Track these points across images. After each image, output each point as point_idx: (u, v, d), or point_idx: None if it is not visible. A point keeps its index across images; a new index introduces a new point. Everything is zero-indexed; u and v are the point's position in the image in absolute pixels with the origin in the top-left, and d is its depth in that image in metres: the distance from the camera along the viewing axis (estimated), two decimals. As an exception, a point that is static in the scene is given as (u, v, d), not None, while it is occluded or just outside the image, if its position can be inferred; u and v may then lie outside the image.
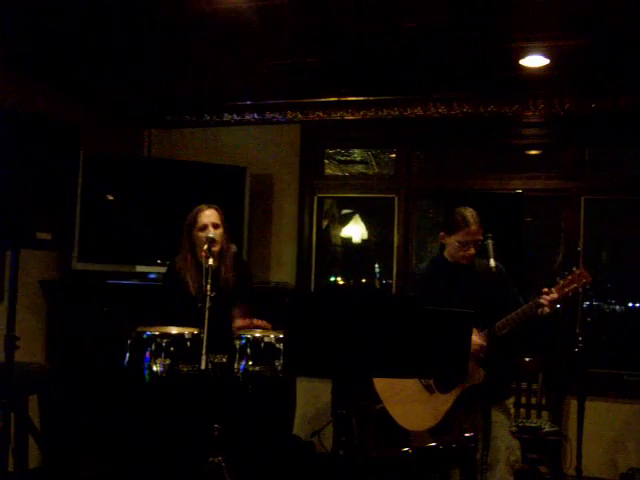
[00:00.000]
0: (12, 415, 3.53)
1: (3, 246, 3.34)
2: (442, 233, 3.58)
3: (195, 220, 3.74)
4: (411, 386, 3.47)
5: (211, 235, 3.60)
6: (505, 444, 3.38)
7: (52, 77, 5.06)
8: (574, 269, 3.33)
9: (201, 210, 3.76)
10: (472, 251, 3.46)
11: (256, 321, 3.74)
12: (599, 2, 3.61)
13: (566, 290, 3.29)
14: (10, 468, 3.57)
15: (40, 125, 3.55)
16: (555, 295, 3.27)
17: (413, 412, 3.47)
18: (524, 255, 4.88)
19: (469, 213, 3.49)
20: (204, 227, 3.70)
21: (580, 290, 3.39)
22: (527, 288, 3.68)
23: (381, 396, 3.53)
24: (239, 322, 3.69)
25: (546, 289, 3.31)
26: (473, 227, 3.45)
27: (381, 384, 3.52)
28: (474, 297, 3.30)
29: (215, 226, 3.71)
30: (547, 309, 3.27)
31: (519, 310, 3.31)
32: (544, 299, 3.27)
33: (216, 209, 3.79)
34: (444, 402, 3.39)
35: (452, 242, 3.51)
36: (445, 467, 3.18)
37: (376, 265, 4.98)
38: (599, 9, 3.69)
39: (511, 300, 3.45)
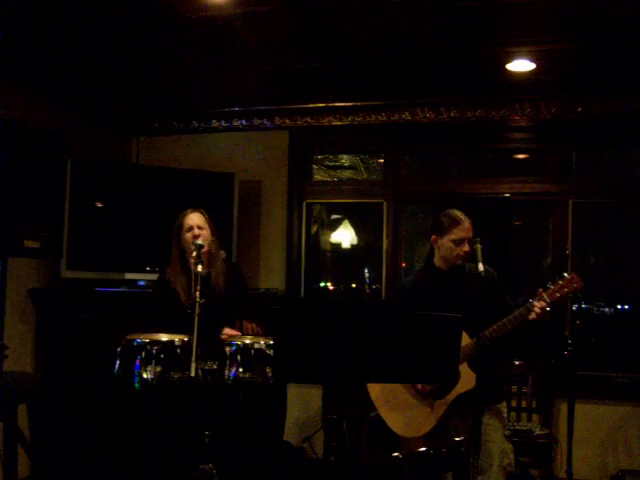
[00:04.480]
0: (1, 425, 3.52)
1: (-9, 255, 3.34)
2: (434, 237, 3.56)
3: (181, 224, 3.82)
4: (405, 392, 3.47)
5: (199, 242, 3.64)
6: (499, 448, 3.37)
7: (38, 85, 5.03)
8: (565, 274, 3.34)
9: (186, 214, 3.85)
10: (467, 248, 3.45)
11: (246, 323, 3.75)
12: (585, 7, 3.63)
13: (557, 295, 3.30)
14: (-1, 478, 3.56)
15: (26, 133, 3.53)
16: (547, 300, 3.28)
17: (408, 419, 3.45)
18: (512, 259, 4.89)
19: (457, 211, 3.54)
20: (190, 228, 3.77)
21: (570, 295, 3.41)
22: (514, 292, 3.68)
23: (375, 403, 3.52)
24: (228, 330, 3.68)
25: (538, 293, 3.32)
26: (466, 223, 3.48)
27: (375, 391, 3.51)
28: (465, 302, 3.30)
29: (200, 228, 3.77)
30: (537, 314, 3.28)
31: (510, 316, 3.30)
32: (536, 305, 3.28)
33: (201, 212, 3.87)
34: (438, 408, 3.39)
35: (446, 243, 3.50)
36: (437, 472, 3.18)
37: (365, 270, 4.98)
38: (585, 14, 3.72)
39: (502, 304, 3.45)
